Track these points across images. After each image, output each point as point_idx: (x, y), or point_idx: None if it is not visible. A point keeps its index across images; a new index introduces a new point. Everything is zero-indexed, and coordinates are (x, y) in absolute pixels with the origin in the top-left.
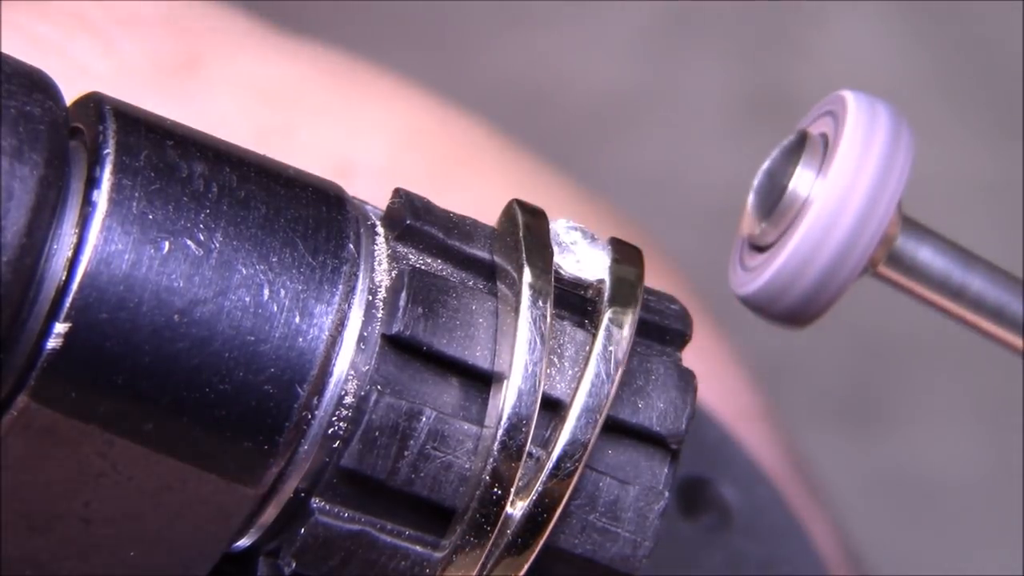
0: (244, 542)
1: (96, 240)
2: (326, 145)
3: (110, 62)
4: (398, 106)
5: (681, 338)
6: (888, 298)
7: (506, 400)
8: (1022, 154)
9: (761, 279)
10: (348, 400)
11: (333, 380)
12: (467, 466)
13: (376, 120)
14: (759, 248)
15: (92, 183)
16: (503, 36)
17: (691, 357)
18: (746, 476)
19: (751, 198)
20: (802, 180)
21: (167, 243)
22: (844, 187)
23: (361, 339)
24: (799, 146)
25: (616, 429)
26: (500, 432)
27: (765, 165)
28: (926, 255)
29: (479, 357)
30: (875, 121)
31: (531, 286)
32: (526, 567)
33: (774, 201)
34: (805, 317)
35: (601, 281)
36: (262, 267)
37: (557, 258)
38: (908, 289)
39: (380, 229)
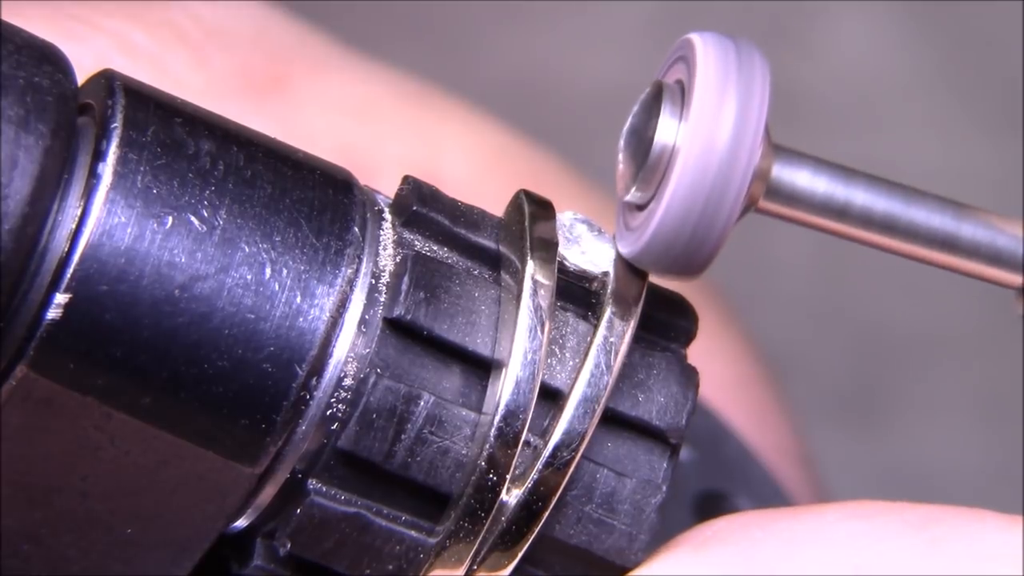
0: (241, 523)
1: (99, 212)
2: (414, 160)
3: (203, 75)
4: (477, 126)
5: (686, 334)
6: (891, 295)
7: (504, 388)
8: None
9: (644, 237)
10: (347, 382)
11: (333, 361)
12: (464, 452)
13: (459, 138)
14: (639, 207)
15: (98, 156)
16: (503, 32)
17: (698, 354)
18: (764, 491)
19: (620, 159)
20: (666, 130)
21: (170, 218)
22: (706, 128)
23: (362, 322)
24: (657, 98)
25: (615, 421)
26: (497, 419)
27: (627, 124)
28: (804, 180)
29: (479, 344)
30: (726, 56)
31: (533, 276)
32: (520, 555)
33: (643, 157)
34: (694, 267)
35: (606, 274)
36: (265, 246)
37: (562, 250)
38: (794, 218)
39: (388, 215)
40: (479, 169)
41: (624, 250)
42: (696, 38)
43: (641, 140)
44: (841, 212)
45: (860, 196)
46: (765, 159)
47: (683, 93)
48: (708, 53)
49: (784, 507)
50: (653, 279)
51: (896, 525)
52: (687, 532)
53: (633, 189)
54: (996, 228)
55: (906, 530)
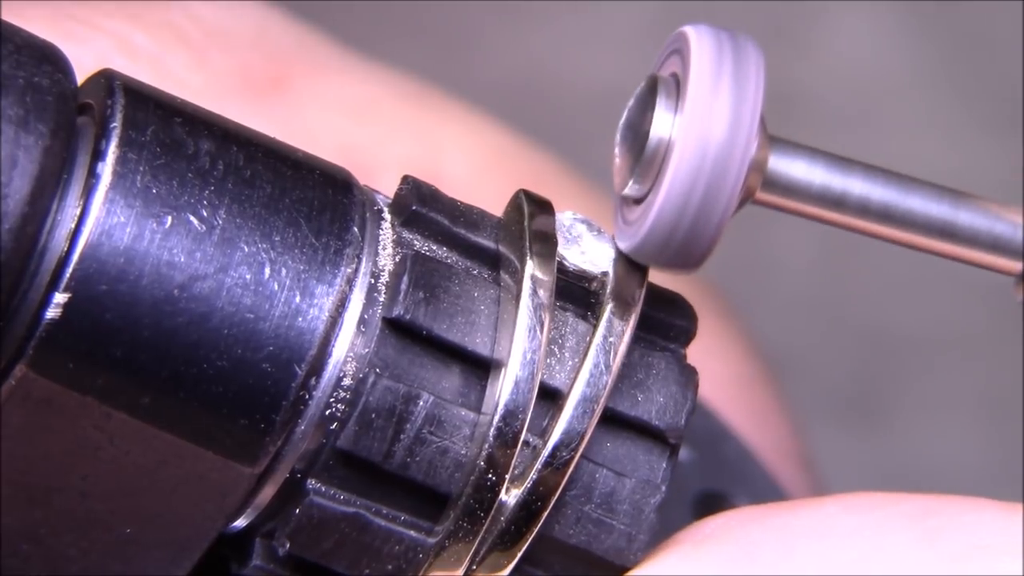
0: (240, 523)
1: (98, 212)
2: (414, 160)
3: (203, 75)
4: (476, 127)
5: (685, 334)
6: (892, 295)
7: (503, 387)
8: None
9: (642, 230)
10: (346, 382)
11: (332, 361)
12: (463, 452)
13: (458, 138)
14: (636, 201)
15: (97, 156)
16: (502, 32)
17: (698, 354)
18: (763, 491)
19: (616, 153)
20: (661, 124)
21: (169, 218)
22: (701, 120)
23: (362, 321)
24: (652, 91)
25: (615, 421)
26: (496, 419)
27: (623, 117)
28: (800, 171)
29: (479, 344)
30: (720, 48)
31: (533, 275)
32: (519, 555)
33: (639, 151)
34: (692, 260)
35: (605, 274)
36: (264, 245)
37: (562, 249)
38: (792, 209)
39: (387, 215)
40: (478, 169)
41: (622, 244)
42: (690, 30)
43: (637, 134)
44: (838, 202)
45: (857, 185)
46: (761, 150)
47: (678, 86)
48: (702, 45)
49: (779, 503)
50: (653, 277)
51: (894, 518)
52: (685, 530)
53: (630, 183)
54: (994, 215)
55: (904, 523)
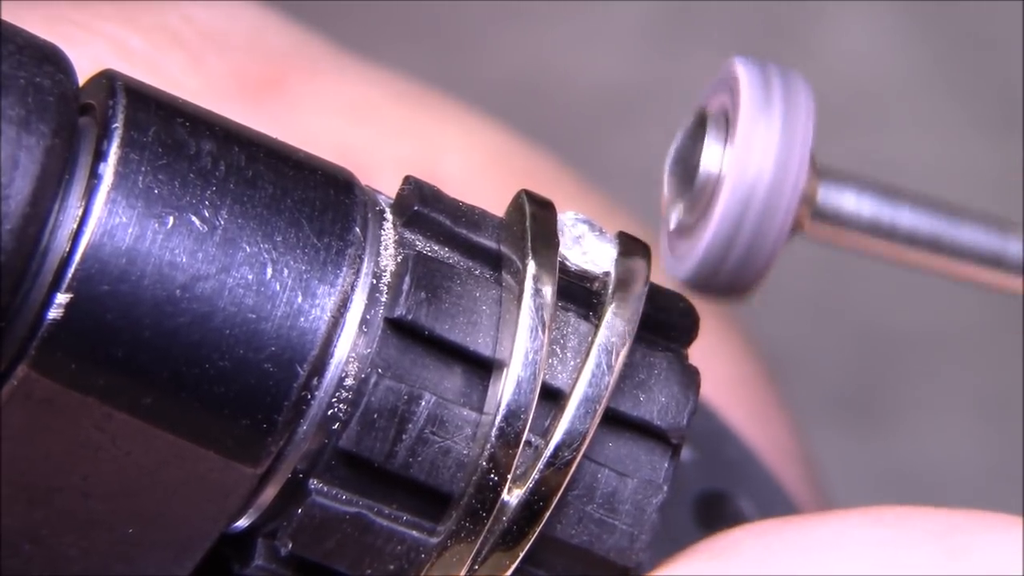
0: (242, 523)
1: (100, 212)
2: (412, 160)
3: (199, 78)
4: (474, 127)
5: (687, 334)
6: (892, 294)
7: (505, 387)
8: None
9: (691, 262)
10: (348, 382)
11: (334, 362)
12: (465, 452)
13: (456, 139)
14: (685, 232)
15: (99, 156)
16: (503, 32)
17: (699, 354)
18: (765, 491)
19: (665, 185)
20: (711, 157)
21: (171, 218)
22: (752, 155)
23: (364, 322)
24: (701, 125)
25: (616, 421)
26: (498, 419)
27: (672, 150)
28: (850, 203)
29: (481, 344)
30: (769, 83)
31: (535, 275)
32: (521, 555)
33: (688, 183)
34: (741, 291)
35: (607, 274)
36: (266, 246)
37: (564, 250)
38: (842, 241)
39: (389, 215)
40: (476, 170)
41: (671, 274)
42: (738, 63)
43: (686, 167)
44: (888, 234)
45: (906, 217)
46: (811, 184)
47: (727, 119)
48: (751, 78)
49: (798, 515)
50: (653, 279)
51: (917, 534)
52: (701, 543)
53: (680, 216)
54: None
55: (927, 539)
